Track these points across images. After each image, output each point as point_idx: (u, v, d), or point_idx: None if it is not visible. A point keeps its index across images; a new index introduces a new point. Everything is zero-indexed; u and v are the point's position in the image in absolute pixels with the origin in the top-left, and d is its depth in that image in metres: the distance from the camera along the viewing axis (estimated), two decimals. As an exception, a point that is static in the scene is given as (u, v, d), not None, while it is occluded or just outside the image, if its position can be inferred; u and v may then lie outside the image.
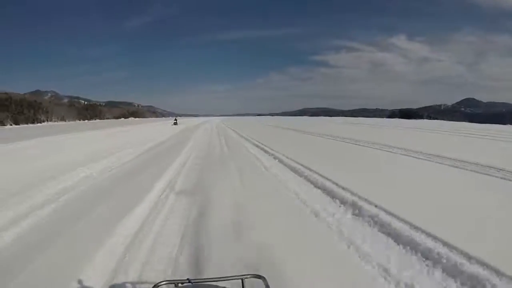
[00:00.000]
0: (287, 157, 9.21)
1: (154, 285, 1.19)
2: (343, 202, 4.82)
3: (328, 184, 5.83)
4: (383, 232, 3.69)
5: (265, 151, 11.15)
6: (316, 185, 5.98)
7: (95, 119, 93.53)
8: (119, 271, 2.85)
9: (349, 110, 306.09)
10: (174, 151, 11.68)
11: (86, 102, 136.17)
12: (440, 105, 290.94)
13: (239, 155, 10.54)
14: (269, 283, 1.15)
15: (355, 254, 3.16)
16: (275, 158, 9.55)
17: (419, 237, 3.35)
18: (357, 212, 4.37)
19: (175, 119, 43.74)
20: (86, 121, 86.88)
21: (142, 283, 2.70)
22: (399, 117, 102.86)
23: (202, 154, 10.84)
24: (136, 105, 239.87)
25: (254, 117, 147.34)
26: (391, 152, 10.50)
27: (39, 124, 69.47)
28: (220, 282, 1.15)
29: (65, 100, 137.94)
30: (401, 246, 3.30)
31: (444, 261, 2.88)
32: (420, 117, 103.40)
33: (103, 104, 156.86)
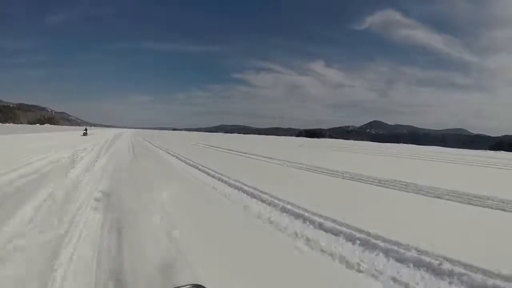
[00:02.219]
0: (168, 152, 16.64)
1: None
2: (190, 164, 12.39)
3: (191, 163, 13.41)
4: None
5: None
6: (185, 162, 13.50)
7: (8, 123, 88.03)
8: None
9: (264, 129, 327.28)
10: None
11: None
12: (348, 126, 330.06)
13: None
14: None
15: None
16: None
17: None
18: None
19: (85, 129, 42.45)
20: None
21: None
22: (304, 136, 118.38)
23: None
24: (50, 110, 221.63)
25: (168, 131, 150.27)
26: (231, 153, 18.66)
27: None
28: None
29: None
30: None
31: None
32: (323, 136, 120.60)
33: (14, 105, 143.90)
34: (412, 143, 71.32)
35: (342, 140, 75.21)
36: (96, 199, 5.60)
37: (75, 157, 11.73)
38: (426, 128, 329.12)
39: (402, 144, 58.06)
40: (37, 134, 34.84)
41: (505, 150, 45.87)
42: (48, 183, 6.58)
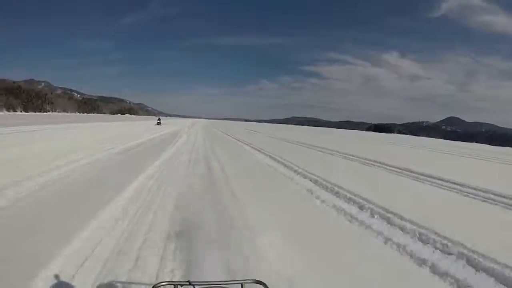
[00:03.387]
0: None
1: (153, 286, 1.23)
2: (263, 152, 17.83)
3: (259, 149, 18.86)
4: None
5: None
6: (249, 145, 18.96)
7: (93, 113, 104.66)
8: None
9: (334, 122, 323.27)
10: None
11: (79, 95, 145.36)
12: (422, 122, 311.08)
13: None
14: None
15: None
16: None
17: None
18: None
19: (159, 119, 44.78)
20: (86, 114, 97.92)
21: (141, 284, 2.94)
22: (373, 131, 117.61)
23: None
24: (128, 101, 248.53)
25: (242, 122, 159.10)
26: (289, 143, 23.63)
27: (47, 113, 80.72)
28: (221, 285, 1.22)
29: (59, 91, 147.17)
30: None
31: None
32: (391, 131, 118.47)
33: (96, 98, 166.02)
34: (490, 143, 68.01)
35: (409, 136, 75.25)
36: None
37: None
38: (508, 127, 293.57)
39: (474, 143, 56.71)
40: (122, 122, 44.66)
41: None
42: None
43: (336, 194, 7.11)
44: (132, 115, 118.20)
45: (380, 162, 12.93)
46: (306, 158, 13.70)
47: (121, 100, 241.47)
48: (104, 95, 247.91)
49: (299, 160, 12.12)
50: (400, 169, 11.46)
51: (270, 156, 13.65)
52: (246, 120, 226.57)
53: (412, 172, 10.87)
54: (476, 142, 75.44)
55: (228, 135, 27.73)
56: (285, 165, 11.13)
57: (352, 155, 15.26)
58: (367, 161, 13.40)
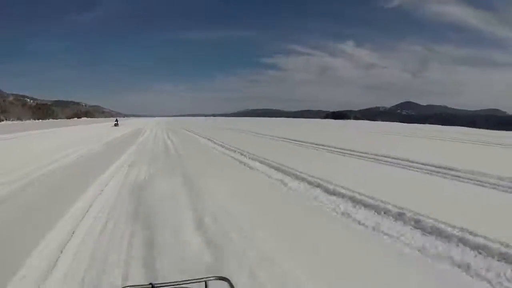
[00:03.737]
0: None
1: None
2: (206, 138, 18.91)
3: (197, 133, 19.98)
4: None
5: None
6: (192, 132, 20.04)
7: (48, 119, 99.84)
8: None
9: (293, 112, 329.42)
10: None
11: (32, 101, 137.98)
12: (378, 107, 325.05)
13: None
14: (234, 285, 1.17)
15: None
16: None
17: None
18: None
19: (116, 120, 44.91)
20: (41, 120, 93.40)
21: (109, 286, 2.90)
22: (331, 118, 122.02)
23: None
24: (84, 104, 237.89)
25: (200, 118, 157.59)
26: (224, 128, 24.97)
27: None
28: (183, 285, 1.18)
29: (11, 98, 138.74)
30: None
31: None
32: (348, 118, 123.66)
33: (50, 103, 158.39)
34: (442, 124, 73.10)
35: (363, 121, 79.49)
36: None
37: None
38: (460, 108, 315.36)
39: (427, 125, 60.85)
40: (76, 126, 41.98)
41: None
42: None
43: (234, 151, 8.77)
44: (88, 118, 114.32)
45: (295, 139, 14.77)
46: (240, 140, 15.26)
47: (77, 103, 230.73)
48: (60, 99, 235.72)
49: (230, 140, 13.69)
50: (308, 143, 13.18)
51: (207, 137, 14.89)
52: (205, 115, 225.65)
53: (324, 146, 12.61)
54: (429, 123, 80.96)
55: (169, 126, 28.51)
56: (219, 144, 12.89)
57: (283, 137, 17.05)
58: (292, 141, 15.41)
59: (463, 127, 46.85)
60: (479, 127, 56.64)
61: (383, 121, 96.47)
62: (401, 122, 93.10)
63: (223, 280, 1.18)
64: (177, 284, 1.13)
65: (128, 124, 45.93)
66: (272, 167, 8.64)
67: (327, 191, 5.95)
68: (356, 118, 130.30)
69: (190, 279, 1.16)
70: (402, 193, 5.49)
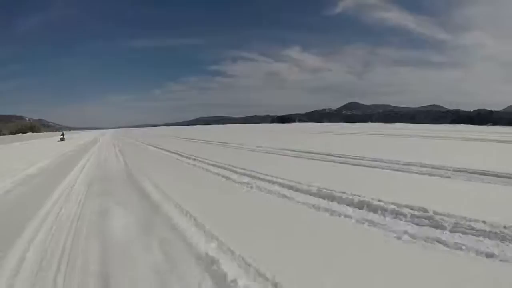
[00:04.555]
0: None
1: None
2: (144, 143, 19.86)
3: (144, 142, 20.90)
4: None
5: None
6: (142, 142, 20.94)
7: None
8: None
9: (241, 117, 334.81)
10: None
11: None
12: (324, 109, 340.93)
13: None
14: None
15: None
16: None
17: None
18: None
19: (62, 134, 43.24)
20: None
21: None
22: (277, 122, 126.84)
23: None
24: (27, 118, 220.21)
25: (148, 128, 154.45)
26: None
27: None
28: None
29: None
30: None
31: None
32: (293, 121, 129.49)
33: None
34: (384, 121, 78.90)
35: (305, 123, 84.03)
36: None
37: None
38: (403, 106, 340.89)
39: (365, 123, 65.67)
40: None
41: (463, 123, 53.04)
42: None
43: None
44: (33, 133, 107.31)
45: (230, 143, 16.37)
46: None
47: (19, 117, 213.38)
48: (2, 113, 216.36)
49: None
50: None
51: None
52: (153, 126, 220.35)
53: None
54: (371, 121, 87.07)
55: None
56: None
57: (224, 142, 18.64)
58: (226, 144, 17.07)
59: (401, 123, 52.59)
60: (419, 122, 63.13)
61: (329, 122, 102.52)
62: (345, 122, 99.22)
63: None
64: None
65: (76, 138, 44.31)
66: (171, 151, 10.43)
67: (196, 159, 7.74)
68: (300, 121, 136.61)
69: None
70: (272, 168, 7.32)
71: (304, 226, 3.94)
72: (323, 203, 4.82)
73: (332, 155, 9.84)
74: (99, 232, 4.24)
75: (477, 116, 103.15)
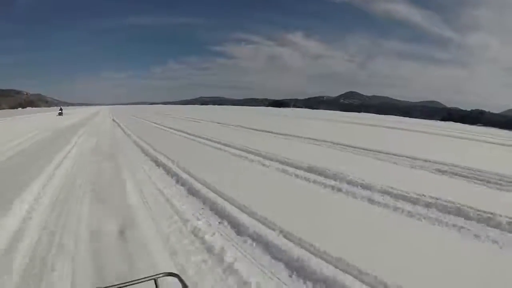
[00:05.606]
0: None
1: None
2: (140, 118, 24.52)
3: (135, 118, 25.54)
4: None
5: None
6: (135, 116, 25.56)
7: None
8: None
9: (239, 99, 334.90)
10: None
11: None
12: (322, 96, 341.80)
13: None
14: (184, 280, 1.18)
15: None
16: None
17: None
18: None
19: (60, 109, 43.83)
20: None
21: None
22: (273, 106, 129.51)
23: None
24: (25, 93, 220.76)
25: (148, 105, 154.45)
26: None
27: None
28: (132, 286, 1.17)
29: None
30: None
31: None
32: (288, 106, 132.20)
33: None
34: (379, 113, 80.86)
35: (300, 109, 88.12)
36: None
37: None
38: (402, 99, 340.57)
39: (357, 113, 67.20)
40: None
41: (454, 121, 53.77)
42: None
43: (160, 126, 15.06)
44: (33, 108, 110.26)
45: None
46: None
47: (18, 92, 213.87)
48: (1, 87, 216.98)
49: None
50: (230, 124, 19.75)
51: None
52: (152, 103, 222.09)
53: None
54: (367, 112, 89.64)
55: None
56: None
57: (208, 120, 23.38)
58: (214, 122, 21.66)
59: (398, 117, 53.61)
60: (412, 117, 65.37)
61: (325, 109, 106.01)
62: (340, 110, 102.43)
63: (173, 276, 1.21)
64: (125, 285, 1.13)
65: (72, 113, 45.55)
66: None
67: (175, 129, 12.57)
68: (295, 106, 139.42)
69: (137, 278, 1.16)
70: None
71: (224, 161, 8.82)
72: (242, 153, 9.60)
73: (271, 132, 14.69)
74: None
75: (469, 115, 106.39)
